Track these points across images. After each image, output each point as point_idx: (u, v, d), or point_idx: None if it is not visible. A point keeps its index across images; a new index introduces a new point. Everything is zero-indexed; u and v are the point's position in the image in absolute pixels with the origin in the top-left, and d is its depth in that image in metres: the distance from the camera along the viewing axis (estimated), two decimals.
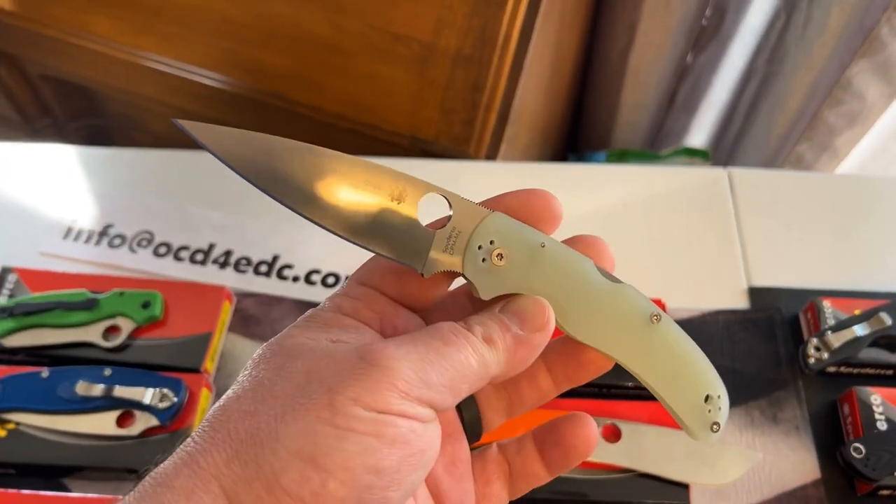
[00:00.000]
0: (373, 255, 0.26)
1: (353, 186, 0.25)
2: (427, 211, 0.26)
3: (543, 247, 0.26)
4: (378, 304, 0.27)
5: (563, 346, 0.28)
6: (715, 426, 0.27)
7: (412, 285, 0.27)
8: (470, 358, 0.24)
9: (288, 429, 0.22)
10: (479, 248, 0.25)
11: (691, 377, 0.27)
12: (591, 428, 0.28)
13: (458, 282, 0.28)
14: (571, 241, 0.27)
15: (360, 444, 0.22)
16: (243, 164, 0.25)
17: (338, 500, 0.21)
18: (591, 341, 0.26)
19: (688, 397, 0.27)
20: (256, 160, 0.25)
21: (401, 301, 0.27)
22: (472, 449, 0.29)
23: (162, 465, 0.23)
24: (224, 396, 0.24)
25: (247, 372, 0.24)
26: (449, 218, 0.26)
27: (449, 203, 0.26)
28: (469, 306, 0.29)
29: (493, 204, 0.27)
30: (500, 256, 0.26)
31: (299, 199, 0.25)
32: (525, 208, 0.27)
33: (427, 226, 0.26)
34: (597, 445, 0.29)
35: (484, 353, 0.24)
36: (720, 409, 0.27)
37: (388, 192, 0.25)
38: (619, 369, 0.50)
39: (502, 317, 0.26)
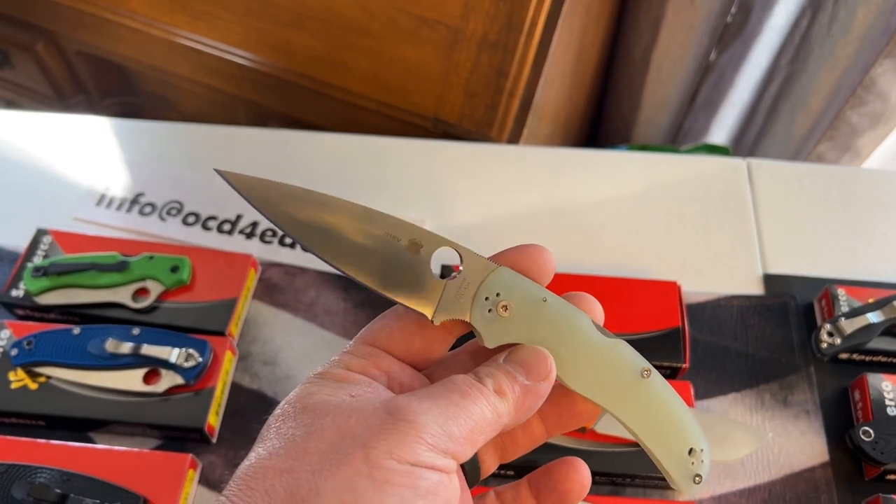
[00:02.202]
0: (380, 315, 0.29)
1: (377, 238, 0.28)
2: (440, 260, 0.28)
3: (545, 301, 0.27)
4: (384, 363, 0.28)
5: (556, 395, 0.29)
6: (697, 478, 0.28)
7: (417, 343, 0.28)
8: (485, 410, 0.25)
9: (328, 484, 0.22)
10: (486, 299, 0.27)
11: (677, 430, 0.28)
12: (584, 472, 0.29)
13: (458, 342, 0.30)
14: (567, 297, 0.29)
15: (397, 496, 0.22)
16: (280, 216, 0.27)
17: None
18: (586, 392, 0.28)
19: (673, 449, 0.28)
20: (290, 211, 0.27)
21: (405, 359, 0.29)
22: None
23: None
24: (253, 454, 0.24)
25: (273, 429, 0.25)
26: (459, 270, 0.28)
27: (460, 256, 0.28)
28: (471, 364, 0.30)
29: (498, 258, 0.29)
30: (506, 308, 0.27)
31: (330, 251, 0.27)
32: (528, 260, 0.28)
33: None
34: (589, 488, 0.30)
35: (497, 404, 0.26)
36: (703, 461, 0.28)
37: (406, 244, 0.28)
38: (635, 347, 0.51)
39: (509, 367, 0.27)
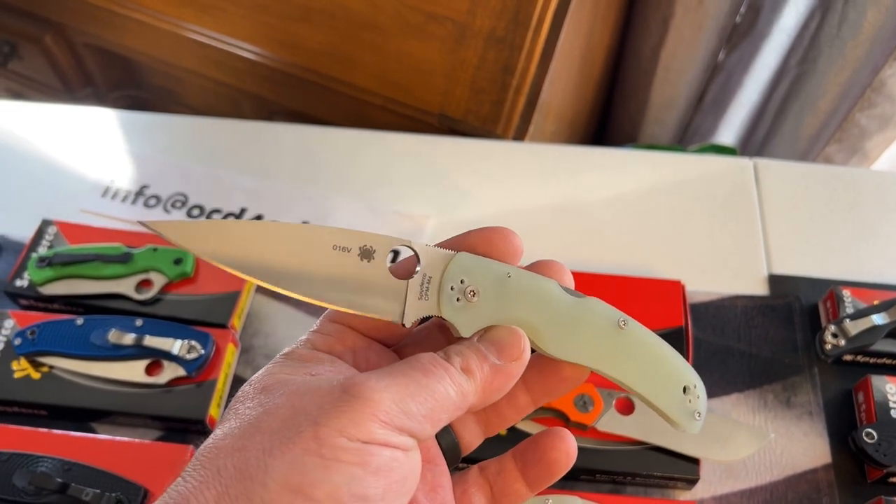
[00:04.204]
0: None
1: (325, 255, 0.27)
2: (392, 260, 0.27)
3: (510, 276, 0.27)
4: (349, 339, 0.28)
5: (541, 363, 0.29)
6: (697, 414, 0.28)
7: (383, 322, 0.28)
8: (449, 389, 0.25)
9: (276, 461, 0.22)
10: (452, 288, 0.27)
11: (667, 372, 0.28)
12: (570, 441, 0.29)
13: None
14: (532, 267, 0.28)
15: (346, 473, 0.22)
16: (216, 255, 0.27)
17: None
18: (568, 356, 0.27)
19: (667, 391, 0.28)
20: (226, 249, 0.27)
21: (373, 335, 0.28)
22: (452, 471, 0.30)
23: (161, 499, 0.23)
24: (212, 435, 0.25)
25: (232, 410, 0.25)
26: (417, 266, 0.27)
27: (415, 252, 0.27)
28: (441, 338, 0.30)
29: (456, 244, 0.28)
30: (473, 293, 0.27)
31: (272, 277, 0.26)
32: (488, 245, 0.28)
33: (396, 276, 0.27)
34: (574, 459, 0.29)
35: (462, 383, 0.25)
36: (699, 397, 0.28)
37: (356, 253, 0.27)
38: None
39: (480, 347, 0.26)
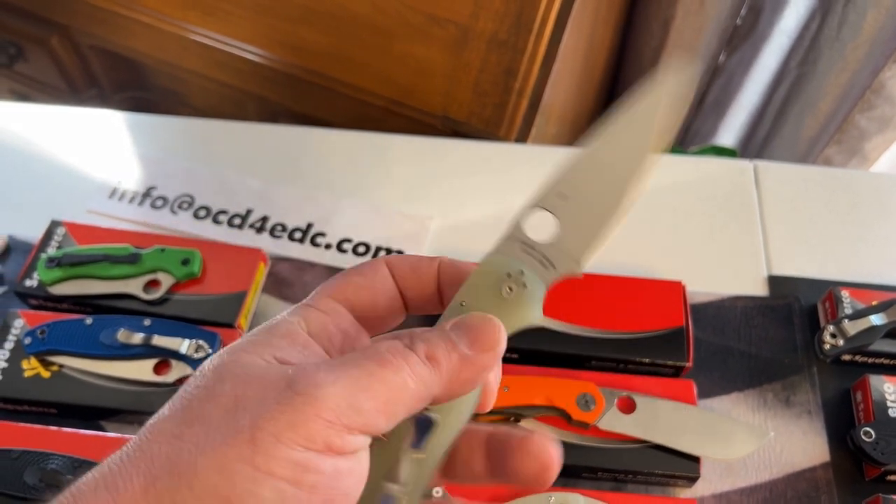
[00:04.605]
0: (345, 270, 0.27)
1: None
2: None
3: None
4: (344, 322, 0.27)
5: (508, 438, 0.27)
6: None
7: (381, 304, 0.27)
8: (407, 380, 0.23)
9: (207, 462, 0.21)
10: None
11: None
12: (546, 456, 0.26)
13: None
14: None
15: (277, 490, 0.21)
16: None
17: None
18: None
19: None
20: None
21: (364, 320, 0.27)
22: None
23: (84, 479, 0.22)
24: (158, 412, 0.23)
25: (186, 385, 0.24)
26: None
27: None
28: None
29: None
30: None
31: None
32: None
33: None
34: (552, 479, 0.26)
35: (424, 374, 0.23)
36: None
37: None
38: (638, 347, 0.51)
39: (451, 335, 0.25)
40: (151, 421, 0.23)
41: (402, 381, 0.23)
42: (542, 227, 0.28)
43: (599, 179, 0.28)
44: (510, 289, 0.26)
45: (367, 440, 0.23)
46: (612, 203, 0.27)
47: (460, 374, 0.24)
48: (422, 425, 0.25)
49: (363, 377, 0.22)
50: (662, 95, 0.27)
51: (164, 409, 0.23)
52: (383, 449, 0.24)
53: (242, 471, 0.21)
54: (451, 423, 0.25)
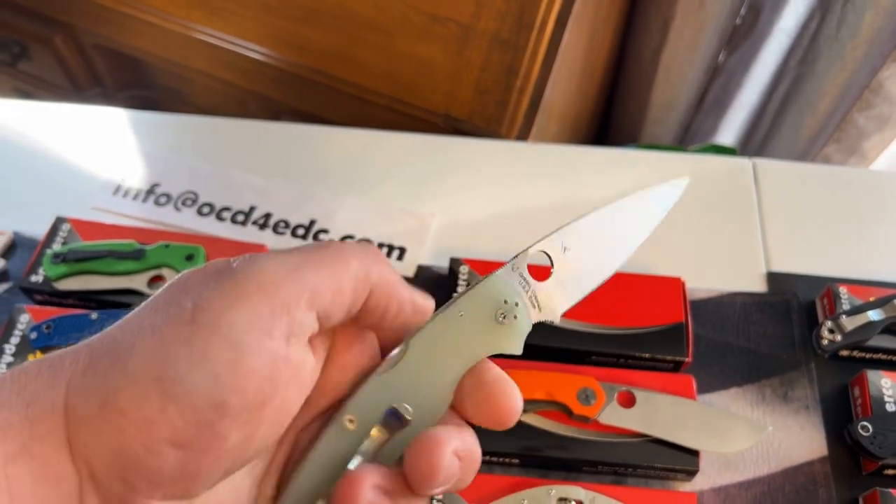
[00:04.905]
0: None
1: None
2: None
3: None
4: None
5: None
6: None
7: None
8: (350, 259, 0.23)
9: (144, 343, 0.20)
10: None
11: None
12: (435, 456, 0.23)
13: None
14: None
15: (211, 374, 0.20)
16: None
17: (171, 430, 0.20)
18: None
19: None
20: None
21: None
22: None
23: (38, 358, 0.22)
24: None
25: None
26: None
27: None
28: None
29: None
30: None
31: None
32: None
33: None
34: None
35: (366, 256, 0.23)
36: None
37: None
38: (638, 342, 0.52)
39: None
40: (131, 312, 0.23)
41: (344, 259, 0.23)
42: (537, 264, 0.29)
43: (600, 244, 0.30)
44: (503, 316, 0.26)
45: (312, 320, 0.22)
46: (602, 271, 0.30)
47: (399, 284, 0.24)
48: (392, 419, 0.25)
49: (305, 252, 0.22)
50: (676, 193, 0.30)
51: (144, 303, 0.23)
52: (347, 434, 0.24)
53: (177, 352, 0.20)
54: (423, 422, 0.25)
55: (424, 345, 0.25)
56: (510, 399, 0.25)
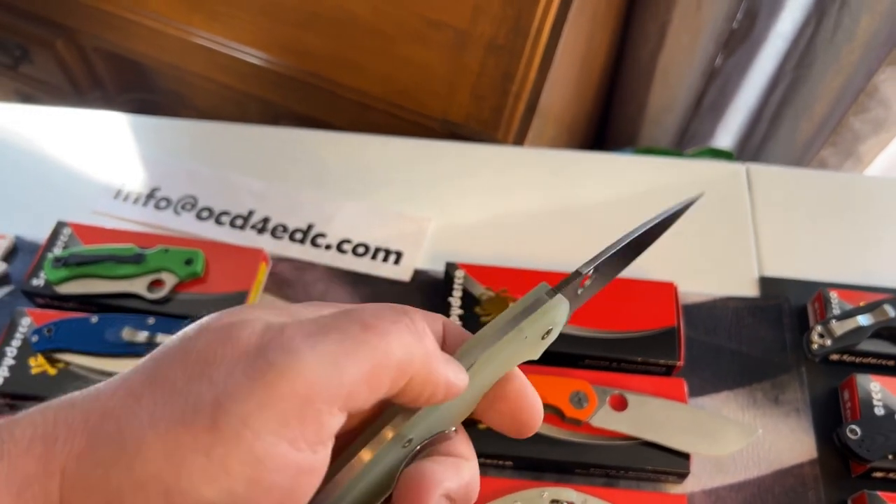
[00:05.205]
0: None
1: None
2: None
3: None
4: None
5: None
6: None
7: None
8: (393, 345, 0.20)
9: (156, 441, 0.18)
10: None
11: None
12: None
13: None
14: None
15: (227, 492, 0.18)
16: None
17: None
18: None
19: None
20: None
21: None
22: None
23: (27, 417, 0.19)
24: (147, 356, 0.21)
25: (172, 337, 0.21)
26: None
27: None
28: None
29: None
30: None
31: None
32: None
33: None
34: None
35: (409, 342, 0.21)
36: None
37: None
38: (630, 346, 0.53)
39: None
40: (124, 370, 0.21)
41: (387, 344, 0.20)
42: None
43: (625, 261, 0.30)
44: (548, 333, 0.27)
45: (341, 421, 0.20)
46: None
47: (438, 365, 0.22)
48: (437, 436, 0.24)
49: (346, 340, 0.20)
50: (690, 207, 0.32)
51: (142, 360, 0.21)
52: (400, 452, 0.23)
53: (193, 462, 0.18)
54: (443, 423, 0.25)
55: (484, 367, 0.25)
56: (535, 411, 0.25)
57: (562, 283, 0.27)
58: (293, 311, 0.22)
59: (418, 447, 0.24)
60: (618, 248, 0.28)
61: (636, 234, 0.29)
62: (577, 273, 0.27)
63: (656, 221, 0.30)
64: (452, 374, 0.22)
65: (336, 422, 0.20)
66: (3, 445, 0.18)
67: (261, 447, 0.18)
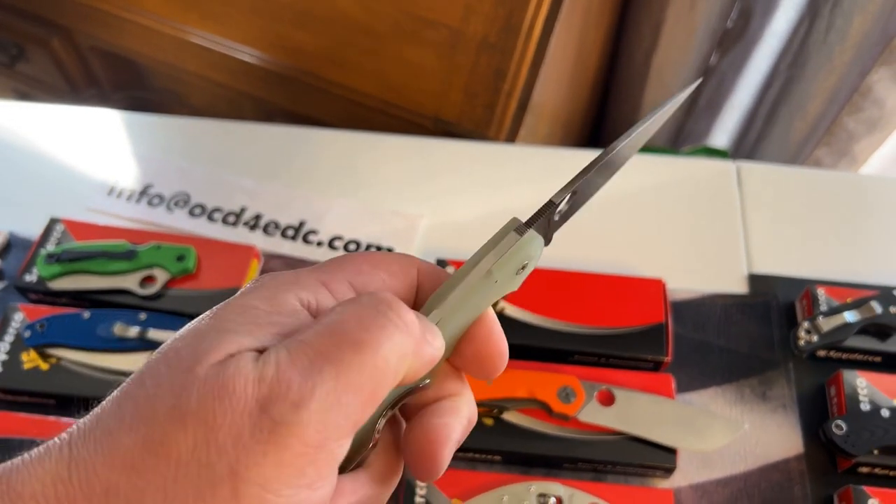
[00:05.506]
0: (371, 256, 0.25)
1: None
2: None
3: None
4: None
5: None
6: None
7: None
8: (389, 356, 0.20)
9: None
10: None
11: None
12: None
13: None
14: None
15: None
16: None
17: None
18: None
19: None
20: None
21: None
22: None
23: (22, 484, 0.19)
24: (96, 414, 0.20)
25: (144, 376, 0.20)
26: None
27: None
28: None
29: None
30: None
31: None
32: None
33: None
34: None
35: (403, 344, 0.21)
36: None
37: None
38: (619, 342, 0.53)
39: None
40: (101, 414, 0.20)
41: (383, 361, 0.20)
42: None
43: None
44: (523, 268, 0.26)
45: (349, 442, 0.20)
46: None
47: (425, 349, 0.22)
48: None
49: (343, 372, 0.19)
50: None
51: (122, 403, 0.20)
52: None
53: None
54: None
55: (455, 317, 0.24)
56: (500, 356, 0.25)
57: (533, 216, 0.26)
58: (271, 318, 0.22)
59: (392, 402, 0.24)
60: (595, 167, 0.27)
61: (615, 149, 0.28)
62: (551, 203, 0.26)
63: (636, 132, 0.28)
64: (435, 349, 0.23)
65: (346, 447, 0.20)
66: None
67: (290, 490, 0.18)
